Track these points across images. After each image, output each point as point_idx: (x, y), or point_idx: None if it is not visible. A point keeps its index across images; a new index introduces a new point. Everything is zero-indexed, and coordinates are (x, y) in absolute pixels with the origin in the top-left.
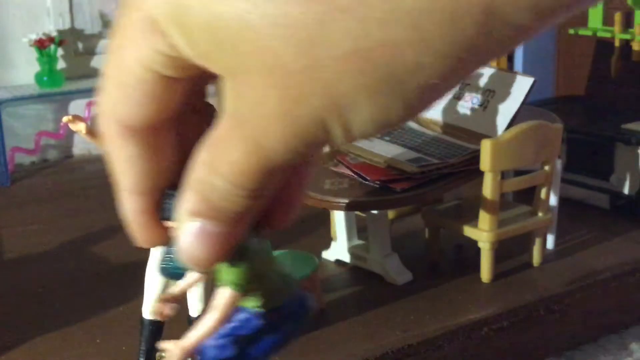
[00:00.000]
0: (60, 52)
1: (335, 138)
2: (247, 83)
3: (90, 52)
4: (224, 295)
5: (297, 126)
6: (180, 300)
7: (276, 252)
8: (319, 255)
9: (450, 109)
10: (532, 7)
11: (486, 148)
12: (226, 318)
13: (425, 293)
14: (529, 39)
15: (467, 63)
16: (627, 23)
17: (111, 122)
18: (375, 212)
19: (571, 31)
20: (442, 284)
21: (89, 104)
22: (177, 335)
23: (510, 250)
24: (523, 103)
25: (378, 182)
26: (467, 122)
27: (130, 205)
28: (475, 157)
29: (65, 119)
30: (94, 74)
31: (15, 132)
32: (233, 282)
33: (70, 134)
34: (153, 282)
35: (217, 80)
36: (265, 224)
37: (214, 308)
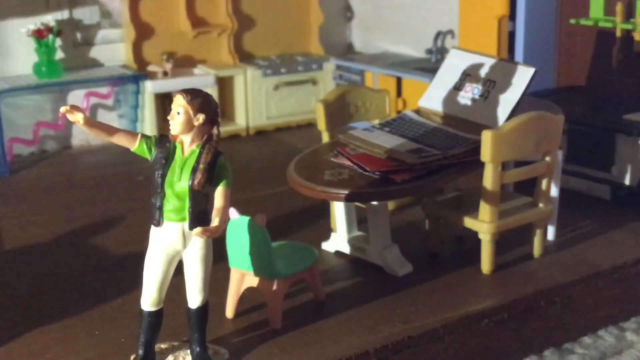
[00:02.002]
0: (58, 42)
1: None
2: None
3: (89, 42)
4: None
5: None
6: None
7: (275, 243)
8: (318, 246)
9: (450, 100)
10: None
11: (487, 139)
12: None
13: (426, 285)
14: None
15: None
16: (629, 13)
17: None
18: (375, 203)
19: (572, 21)
20: (443, 276)
21: (88, 95)
22: (176, 327)
23: (511, 241)
24: (524, 93)
25: (378, 173)
26: (467, 113)
27: None
28: (476, 148)
29: (63, 109)
30: (92, 64)
31: (13, 122)
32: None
33: (69, 124)
34: (152, 274)
35: None
36: None
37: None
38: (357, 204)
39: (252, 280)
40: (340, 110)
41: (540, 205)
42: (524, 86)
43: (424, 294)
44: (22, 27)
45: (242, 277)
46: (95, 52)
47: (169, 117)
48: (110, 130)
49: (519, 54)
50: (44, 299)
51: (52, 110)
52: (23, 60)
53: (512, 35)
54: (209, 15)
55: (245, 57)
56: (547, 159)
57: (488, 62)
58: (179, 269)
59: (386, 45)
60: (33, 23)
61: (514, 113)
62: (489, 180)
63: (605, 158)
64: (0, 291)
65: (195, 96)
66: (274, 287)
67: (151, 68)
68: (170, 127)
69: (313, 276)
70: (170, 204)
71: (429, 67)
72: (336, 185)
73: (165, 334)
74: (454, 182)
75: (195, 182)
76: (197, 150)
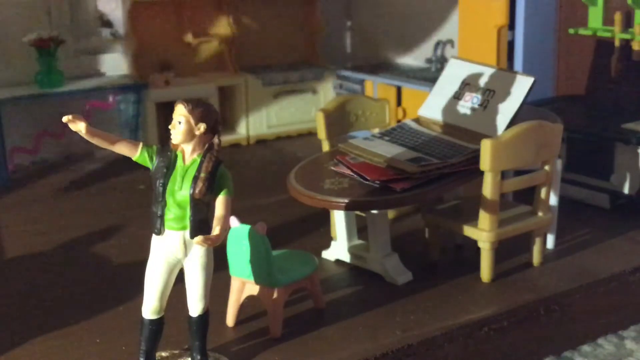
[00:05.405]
0: (60, 52)
1: None
2: None
3: (90, 52)
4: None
5: None
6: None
7: (276, 252)
8: (319, 255)
9: (450, 109)
10: None
11: (486, 148)
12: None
13: (425, 293)
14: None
15: None
16: (627, 23)
17: None
18: (375, 211)
19: (571, 31)
20: (442, 284)
21: (89, 104)
22: (177, 335)
23: (510, 250)
24: (523, 102)
25: (378, 182)
26: (467, 122)
27: None
28: (475, 156)
29: (65, 118)
30: (93, 73)
31: (15, 132)
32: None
33: (70, 134)
34: (153, 282)
35: None
36: None
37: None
38: (357, 212)
39: (253, 289)
40: (340, 119)
41: (540, 213)
42: (523, 95)
43: (424, 302)
44: (23, 37)
45: (243, 286)
46: (96, 62)
47: (170, 127)
48: (112, 139)
49: (518, 64)
50: (44, 308)
51: (54, 119)
52: (24, 69)
53: (511, 45)
54: (210, 24)
55: (245, 66)
56: (547, 167)
57: (487, 72)
58: (180, 277)
59: (386, 54)
60: (35, 32)
61: (513, 122)
62: (488, 189)
63: (604, 167)
64: (0, 300)
65: (196, 106)
66: (275, 295)
67: (152, 77)
68: (172, 137)
69: (313, 284)
70: (171, 212)
71: (428, 76)
72: (336, 194)
73: (166, 342)
74: (453, 190)
75: (196, 190)
76: (198, 159)
